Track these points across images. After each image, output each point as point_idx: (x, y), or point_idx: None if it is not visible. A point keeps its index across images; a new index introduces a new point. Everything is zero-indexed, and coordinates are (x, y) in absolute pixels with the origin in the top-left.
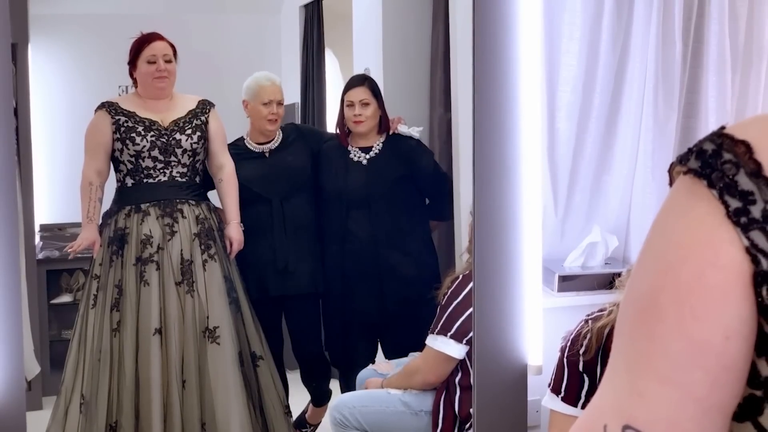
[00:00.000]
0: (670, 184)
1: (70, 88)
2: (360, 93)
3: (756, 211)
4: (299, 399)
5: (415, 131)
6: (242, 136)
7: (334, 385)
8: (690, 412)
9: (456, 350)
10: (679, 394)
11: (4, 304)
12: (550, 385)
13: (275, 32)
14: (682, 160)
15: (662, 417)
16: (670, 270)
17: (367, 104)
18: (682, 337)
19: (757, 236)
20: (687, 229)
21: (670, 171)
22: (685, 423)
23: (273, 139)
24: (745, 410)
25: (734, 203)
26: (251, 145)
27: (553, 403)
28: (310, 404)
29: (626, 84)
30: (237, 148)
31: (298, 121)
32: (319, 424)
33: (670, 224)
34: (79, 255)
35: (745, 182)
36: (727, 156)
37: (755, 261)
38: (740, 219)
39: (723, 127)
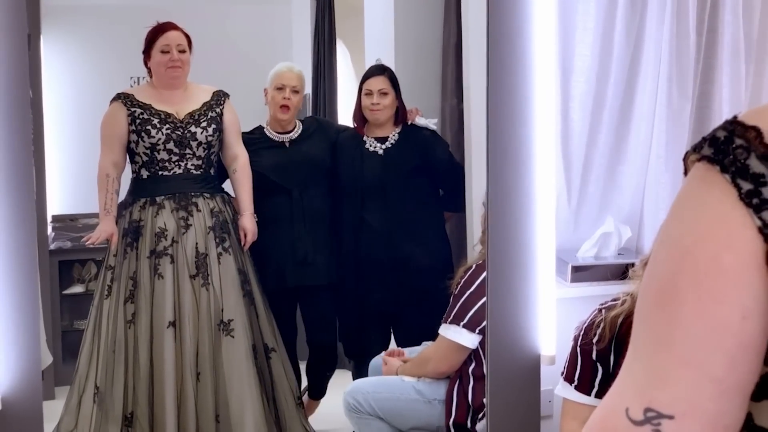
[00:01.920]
0: (685, 173)
1: (82, 79)
2: (379, 82)
3: (767, 193)
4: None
5: (431, 123)
6: (260, 125)
7: (339, 378)
8: (709, 392)
9: (468, 340)
10: (698, 375)
11: (21, 296)
12: (563, 374)
13: (286, 23)
14: (696, 148)
15: (683, 398)
16: (687, 254)
17: (385, 94)
18: (700, 319)
19: None
20: (702, 214)
21: (685, 160)
22: (705, 403)
23: (293, 130)
24: (763, 389)
25: (746, 186)
26: (271, 134)
27: (566, 391)
28: (306, 395)
29: (640, 74)
30: (255, 136)
31: (308, 112)
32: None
33: (685, 210)
34: (91, 245)
35: (756, 165)
36: (738, 141)
37: (767, 240)
38: (752, 200)
39: (736, 116)
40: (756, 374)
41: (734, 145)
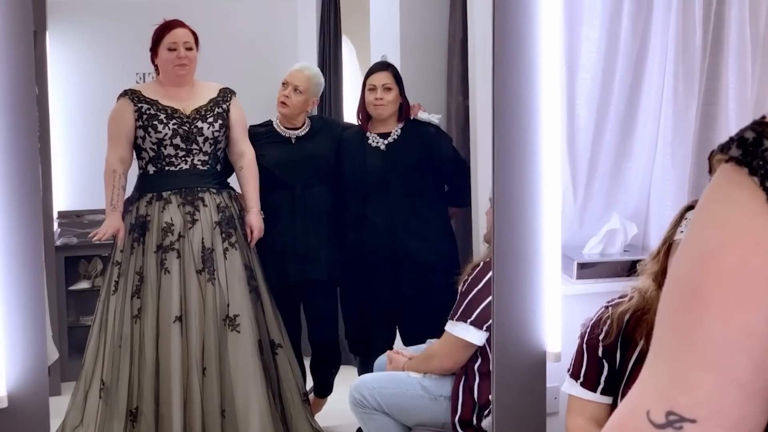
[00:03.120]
0: (710, 171)
1: (88, 75)
2: (383, 77)
3: None
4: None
5: (434, 118)
6: (270, 119)
7: (345, 374)
8: (733, 396)
9: (476, 337)
10: (722, 379)
11: (27, 292)
12: (569, 370)
13: (292, 20)
14: (723, 148)
15: (706, 402)
16: (713, 258)
17: (389, 89)
18: (725, 323)
19: None
20: (729, 216)
21: (710, 159)
22: (729, 408)
23: (301, 127)
24: None
25: None
26: (279, 129)
27: (572, 388)
28: (312, 394)
29: (646, 71)
30: (263, 129)
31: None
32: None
33: (711, 213)
34: (97, 241)
35: None
36: (767, 143)
37: None
38: None
39: (764, 116)
40: None
41: (764, 148)
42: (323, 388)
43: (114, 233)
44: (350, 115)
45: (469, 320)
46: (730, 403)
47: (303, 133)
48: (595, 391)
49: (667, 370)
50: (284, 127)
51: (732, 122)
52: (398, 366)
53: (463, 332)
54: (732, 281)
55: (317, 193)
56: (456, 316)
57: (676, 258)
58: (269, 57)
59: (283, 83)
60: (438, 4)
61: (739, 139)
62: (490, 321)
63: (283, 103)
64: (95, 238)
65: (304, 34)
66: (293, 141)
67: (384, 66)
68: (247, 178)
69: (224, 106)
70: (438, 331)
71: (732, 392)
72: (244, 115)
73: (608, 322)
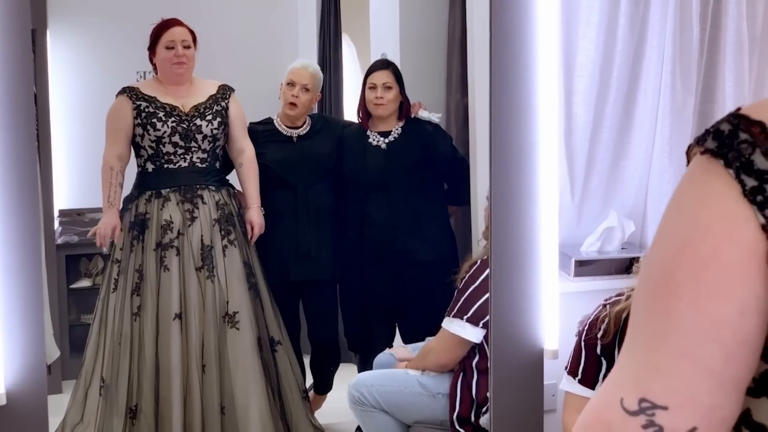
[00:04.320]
0: (688, 165)
1: (89, 73)
2: (383, 76)
3: None
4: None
5: (434, 116)
6: (270, 117)
7: (344, 372)
8: (705, 385)
9: (472, 334)
10: (694, 367)
11: (26, 289)
12: (566, 367)
13: (292, 18)
14: (699, 140)
15: (678, 390)
16: (687, 246)
17: (389, 88)
18: (697, 312)
19: None
20: (703, 207)
21: (688, 152)
22: (701, 396)
23: (303, 126)
24: (761, 385)
25: (750, 182)
26: (281, 127)
27: (570, 385)
28: (312, 391)
29: (643, 68)
30: (264, 127)
31: (315, 107)
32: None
33: (686, 202)
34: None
35: (761, 161)
36: (743, 136)
37: None
38: (756, 197)
39: (740, 108)
40: (752, 371)
41: (739, 140)
42: (323, 386)
43: (112, 229)
44: (350, 113)
45: (465, 317)
46: (702, 391)
47: (304, 132)
48: (592, 388)
49: (640, 357)
50: (285, 125)
51: None
52: (404, 355)
53: (460, 329)
54: (704, 270)
55: (319, 192)
56: (452, 313)
57: (651, 247)
58: (270, 55)
59: (289, 83)
60: (437, 2)
61: (714, 132)
62: (487, 318)
63: (292, 104)
64: (98, 244)
65: (305, 33)
66: (295, 139)
67: (384, 65)
68: (246, 175)
69: (223, 103)
70: (437, 329)
71: (704, 380)
72: (243, 111)
73: (606, 320)
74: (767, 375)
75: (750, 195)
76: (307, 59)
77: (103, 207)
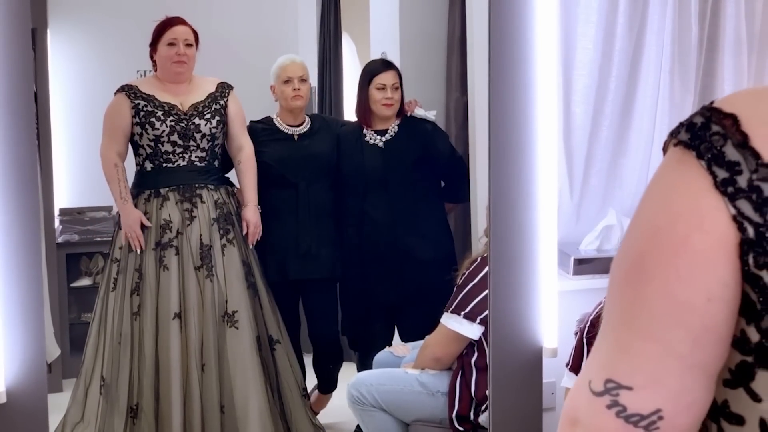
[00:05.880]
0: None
1: (89, 72)
2: (392, 77)
3: (742, 181)
4: (310, 384)
5: (430, 114)
6: (270, 116)
7: (344, 371)
8: (672, 368)
9: (469, 330)
10: (661, 350)
11: (26, 288)
12: (568, 364)
13: (292, 16)
14: (673, 133)
15: (643, 370)
16: (658, 234)
17: (397, 88)
18: (666, 296)
19: (743, 205)
20: (676, 196)
21: (665, 147)
22: (667, 378)
23: (303, 124)
24: (738, 377)
25: (722, 173)
26: (281, 125)
27: (571, 381)
28: (316, 390)
29: (642, 67)
30: (264, 125)
31: (315, 105)
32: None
33: (659, 192)
34: (98, 238)
35: (732, 153)
36: (715, 128)
37: (741, 229)
38: (727, 189)
39: (713, 102)
40: (721, 359)
41: (711, 132)
42: (327, 385)
43: (140, 225)
44: (350, 111)
45: (463, 313)
46: (668, 374)
47: (305, 130)
48: None
49: (610, 341)
50: (286, 124)
51: None
52: (404, 353)
53: (457, 325)
54: (674, 257)
55: (319, 190)
56: (451, 309)
57: (625, 234)
58: (270, 55)
59: (286, 80)
60: (437, 2)
61: (688, 124)
62: (485, 314)
63: (298, 96)
64: (133, 247)
65: (305, 31)
66: (296, 138)
67: (390, 65)
68: (245, 173)
69: (222, 101)
70: (435, 327)
71: (670, 363)
72: (242, 109)
73: None
74: (744, 366)
75: (721, 186)
76: (287, 54)
77: (117, 204)
